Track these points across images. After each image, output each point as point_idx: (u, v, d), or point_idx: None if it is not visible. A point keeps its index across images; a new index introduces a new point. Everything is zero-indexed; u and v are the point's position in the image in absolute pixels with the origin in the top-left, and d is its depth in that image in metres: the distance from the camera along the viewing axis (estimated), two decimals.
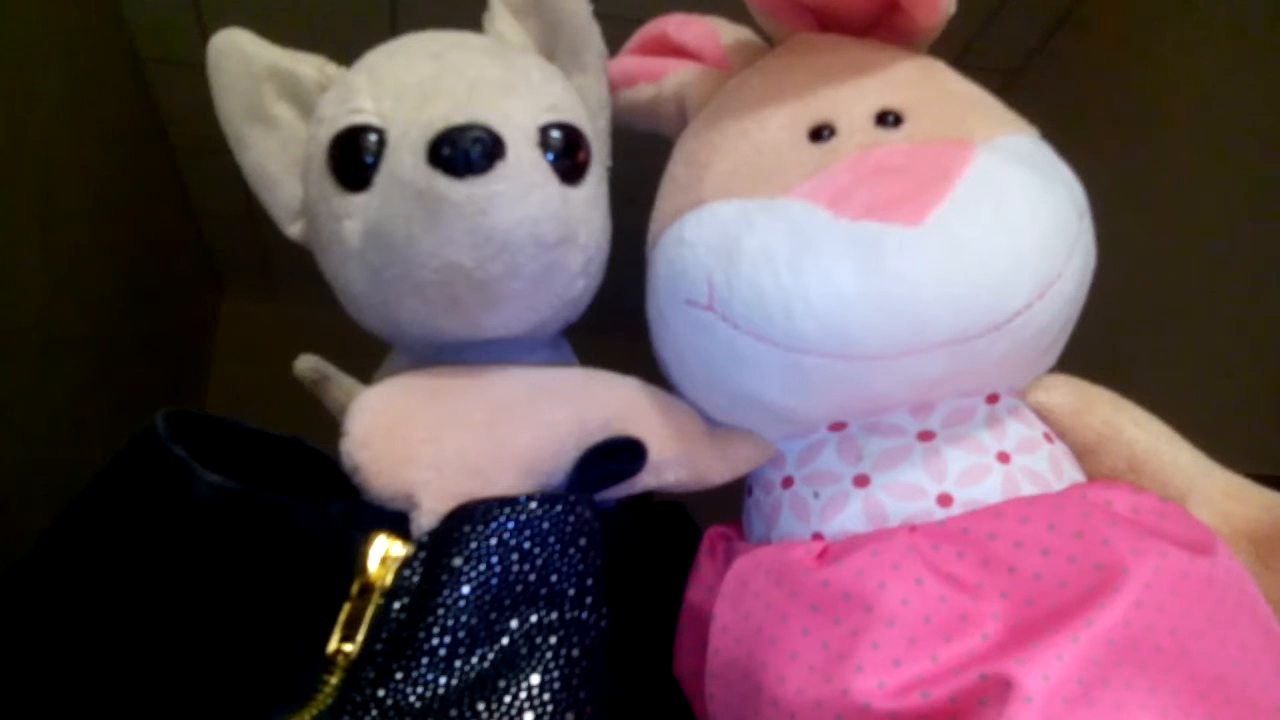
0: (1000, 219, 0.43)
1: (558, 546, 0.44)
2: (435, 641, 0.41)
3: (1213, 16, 1.04)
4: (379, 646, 0.41)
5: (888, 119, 0.49)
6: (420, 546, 0.43)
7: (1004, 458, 0.47)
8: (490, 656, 0.41)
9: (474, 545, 0.42)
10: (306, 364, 0.52)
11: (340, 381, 0.51)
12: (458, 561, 0.42)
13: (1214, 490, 0.48)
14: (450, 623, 0.41)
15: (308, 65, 0.54)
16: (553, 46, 0.57)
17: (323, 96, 0.53)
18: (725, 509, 0.57)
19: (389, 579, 0.42)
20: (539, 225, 0.46)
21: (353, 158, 0.49)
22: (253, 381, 1.25)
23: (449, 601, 0.41)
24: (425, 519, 0.44)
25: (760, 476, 0.53)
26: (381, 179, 0.48)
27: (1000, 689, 0.37)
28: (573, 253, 0.50)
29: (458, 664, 0.41)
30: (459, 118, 0.45)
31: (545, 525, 0.44)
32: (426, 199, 0.44)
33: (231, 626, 0.42)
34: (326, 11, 1.20)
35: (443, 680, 0.40)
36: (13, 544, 0.47)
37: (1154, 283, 1.06)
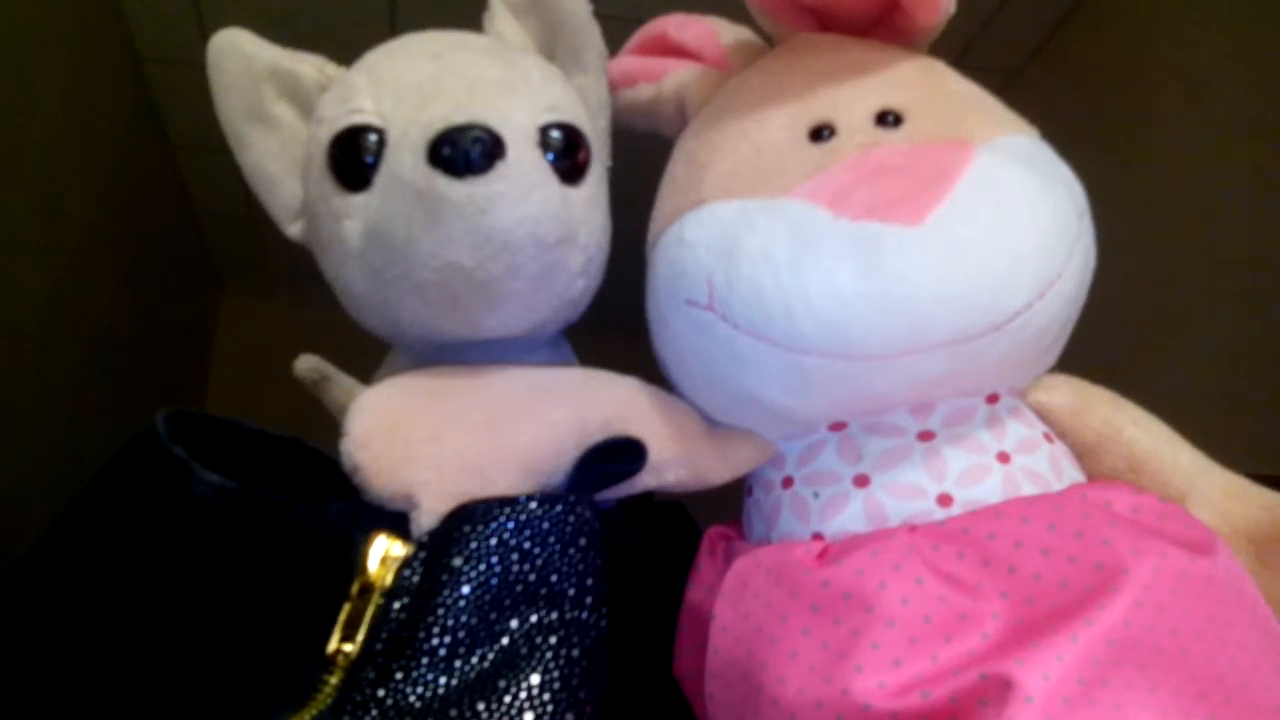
0: (1000, 219, 0.43)
1: (558, 546, 0.44)
2: (435, 641, 0.41)
3: (1212, 16, 1.04)
4: (379, 646, 0.41)
5: (888, 119, 0.49)
6: (420, 546, 0.43)
7: (1004, 458, 0.47)
8: (490, 656, 0.41)
9: (474, 545, 0.42)
10: (306, 364, 0.52)
11: (340, 381, 0.51)
12: (458, 561, 0.42)
13: (1214, 490, 0.48)
14: (450, 623, 0.41)
15: (308, 65, 0.54)
16: (553, 46, 0.57)
17: (323, 96, 0.53)
18: (725, 509, 0.57)
19: (389, 579, 0.42)
20: (539, 225, 0.46)
21: (353, 158, 0.49)
22: (253, 381, 1.25)
23: (449, 601, 0.41)
24: (425, 519, 0.44)
25: (760, 476, 0.53)
26: (381, 179, 0.48)
27: (1000, 689, 0.37)
28: (573, 253, 0.50)
29: (458, 664, 0.41)
30: (459, 118, 0.45)
31: (545, 525, 0.44)
32: (426, 199, 0.44)
33: (232, 626, 0.42)
34: (326, 11, 1.20)
35: (443, 680, 0.40)
36: (13, 544, 0.47)
37: (1154, 283, 1.06)
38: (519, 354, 0.53)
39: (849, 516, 0.47)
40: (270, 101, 0.53)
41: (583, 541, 0.44)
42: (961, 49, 1.29)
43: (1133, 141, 1.13)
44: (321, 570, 0.43)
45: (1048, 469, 0.47)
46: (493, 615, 0.42)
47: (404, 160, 0.45)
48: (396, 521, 0.45)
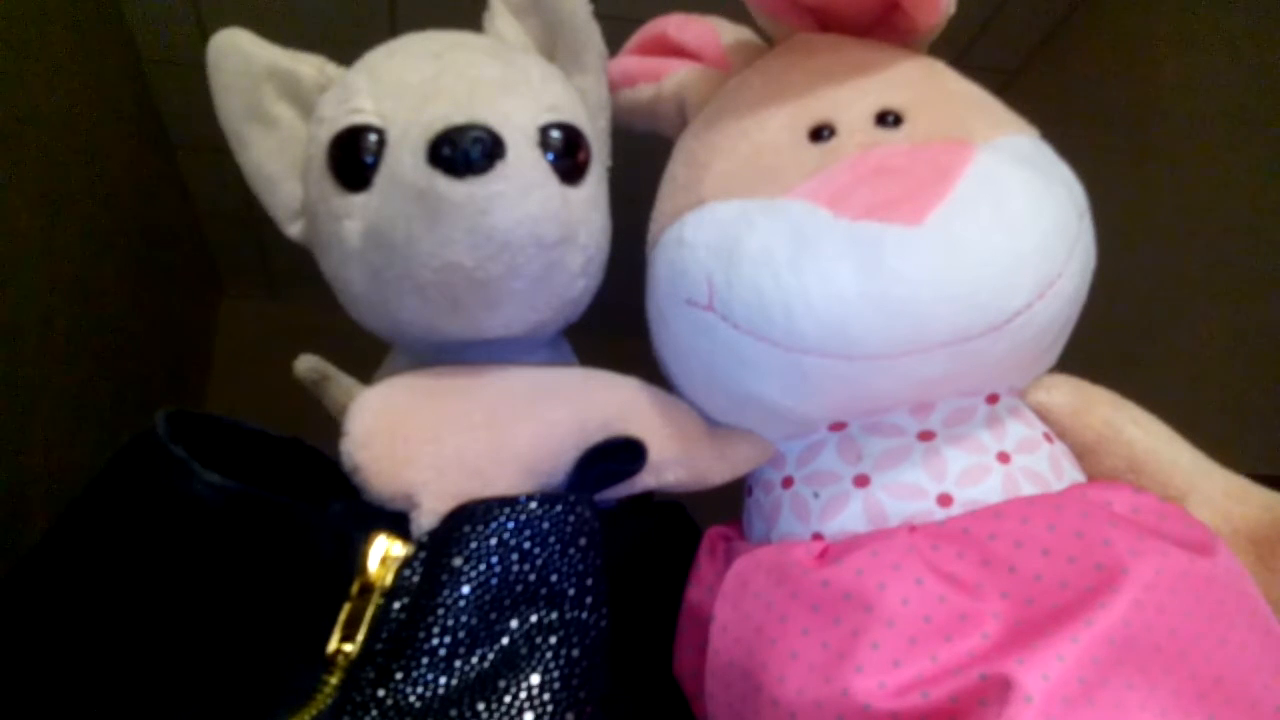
0: (1000, 219, 0.43)
1: (558, 546, 0.44)
2: (435, 641, 0.41)
3: (1212, 16, 1.04)
4: (379, 646, 0.41)
5: (888, 119, 0.49)
6: (420, 546, 0.43)
7: (1004, 458, 0.47)
8: (490, 656, 0.41)
9: (474, 545, 0.42)
10: (306, 364, 0.52)
11: (340, 381, 0.51)
12: (458, 561, 0.42)
13: (1214, 490, 0.48)
14: (450, 623, 0.41)
15: (308, 65, 0.54)
16: (553, 46, 0.57)
17: (322, 96, 0.53)
18: (725, 509, 0.57)
19: (389, 579, 0.42)
20: (539, 225, 0.46)
21: (353, 158, 0.49)
22: (253, 381, 1.25)
23: (449, 601, 0.41)
24: (425, 519, 0.44)
25: (760, 476, 0.53)
26: (381, 179, 0.48)
27: (1000, 689, 0.37)
28: (573, 253, 0.50)
29: (458, 664, 0.41)
30: (459, 118, 0.45)
31: (545, 525, 0.44)
32: (427, 199, 0.44)
33: (232, 626, 0.42)
34: (326, 11, 1.20)
35: (443, 680, 0.40)
36: (13, 544, 0.47)
37: (1154, 283, 1.06)
38: (519, 354, 0.53)
39: (849, 516, 0.47)
40: (270, 101, 0.53)
41: (583, 541, 0.44)
42: (961, 49, 1.29)
43: (1132, 141, 1.13)
44: (321, 570, 0.43)
45: (1048, 469, 0.47)
46: (493, 615, 0.42)
47: (404, 160, 0.45)
48: (396, 521, 0.45)
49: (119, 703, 0.41)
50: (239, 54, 0.52)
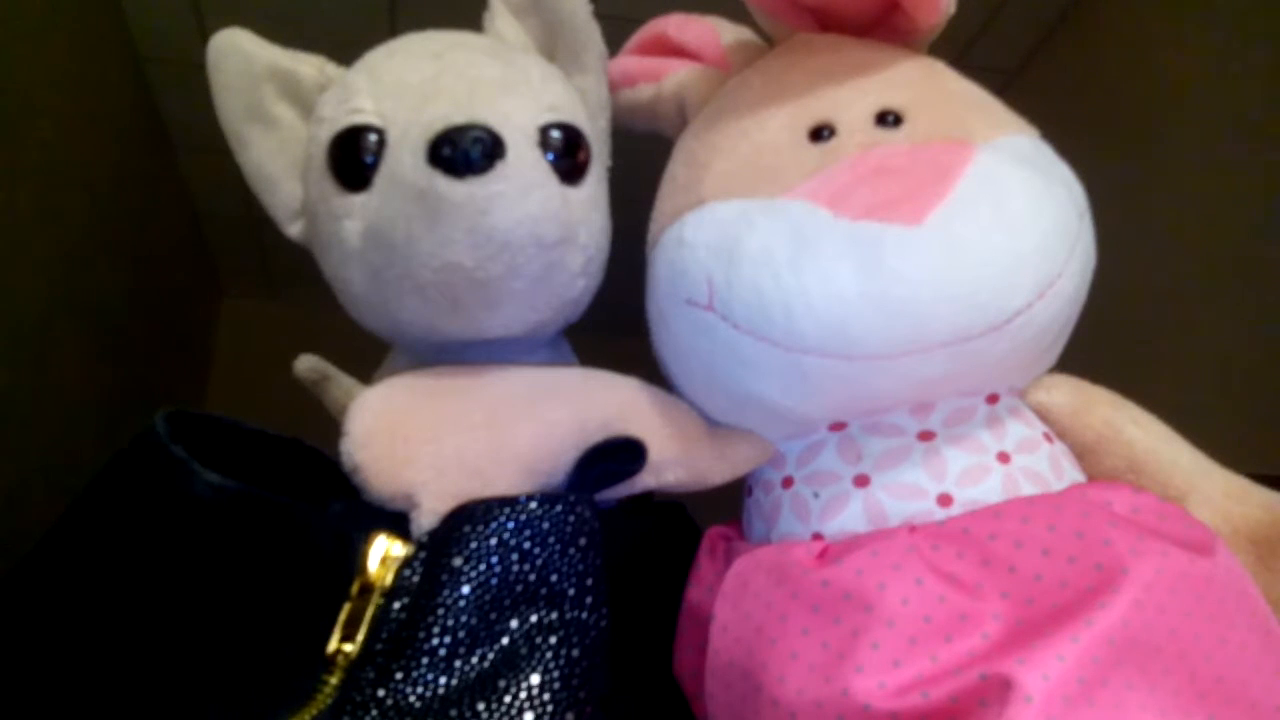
0: (1000, 219, 0.43)
1: (558, 546, 0.44)
2: (435, 641, 0.41)
3: (1212, 16, 1.04)
4: (379, 646, 0.41)
5: (888, 119, 0.49)
6: (420, 546, 0.43)
7: (1004, 458, 0.47)
8: (490, 656, 0.41)
9: (474, 545, 0.42)
10: (306, 364, 0.52)
11: (340, 381, 0.51)
12: (458, 561, 0.42)
13: (1214, 490, 0.48)
14: (450, 623, 0.41)
15: (308, 65, 0.54)
16: (553, 46, 0.57)
17: (322, 96, 0.53)
18: (725, 509, 0.57)
19: (389, 579, 0.42)
20: (539, 225, 0.46)
21: (352, 158, 0.49)
22: (253, 381, 1.24)
23: (449, 601, 0.41)
24: (425, 519, 0.44)
25: (760, 476, 0.53)
26: (381, 179, 0.48)
27: (1000, 689, 0.37)
28: (573, 253, 0.50)
29: (458, 664, 0.41)
30: (459, 118, 0.45)
31: (545, 525, 0.44)
32: (427, 199, 0.44)
33: (231, 626, 0.42)
34: (326, 11, 1.20)
35: (443, 680, 0.40)
36: (13, 544, 0.47)
37: (1154, 283, 1.06)
38: (519, 354, 0.53)
39: (849, 516, 0.47)
40: (270, 101, 0.53)
41: (583, 541, 0.44)
42: (961, 49, 1.29)
43: (1132, 141, 1.13)
44: (321, 570, 0.43)
45: (1048, 469, 0.47)
46: (493, 615, 0.42)
47: (404, 160, 0.45)
48: (396, 521, 0.45)
49: (119, 703, 0.41)
50: (239, 54, 0.52)
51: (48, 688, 0.42)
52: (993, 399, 0.48)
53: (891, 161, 0.46)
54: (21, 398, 1.04)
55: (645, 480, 0.50)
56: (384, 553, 0.43)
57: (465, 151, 0.44)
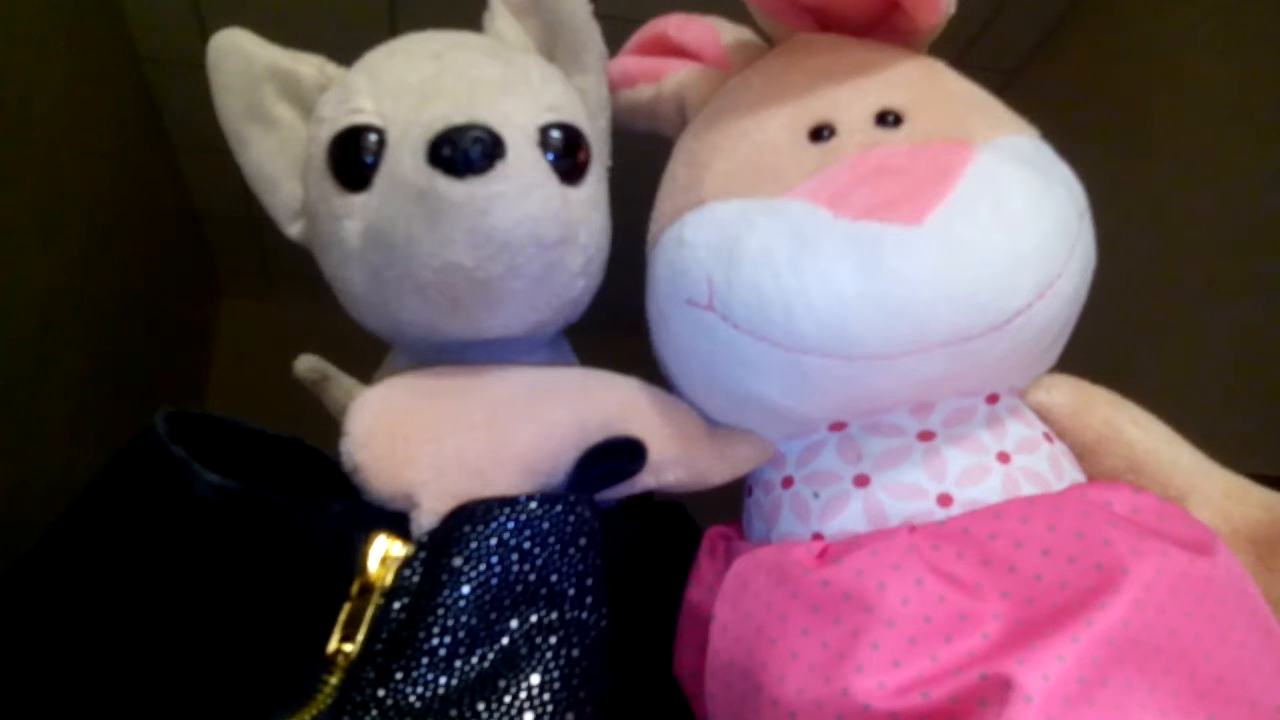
0: (1000, 219, 0.43)
1: (558, 546, 0.44)
2: (435, 641, 0.41)
3: (1211, 16, 1.04)
4: (379, 646, 0.41)
5: (888, 119, 0.49)
6: (420, 546, 0.43)
7: (1004, 458, 0.47)
8: (490, 656, 0.41)
9: (474, 545, 0.42)
10: (306, 364, 0.52)
11: (340, 381, 0.51)
12: (458, 561, 0.42)
13: (1214, 490, 0.48)
14: (450, 623, 0.41)
15: (308, 65, 0.54)
16: (553, 46, 0.57)
17: (322, 96, 0.53)
18: (725, 509, 0.57)
19: (389, 579, 0.42)
20: (539, 225, 0.46)
21: (353, 158, 0.49)
22: (253, 381, 1.25)
23: (449, 601, 0.41)
24: (425, 519, 0.44)
25: (760, 476, 0.53)
26: (381, 179, 0.48)
27: (1000, 689, 0.37)
28: (573, 253, 0.50)
29: (458, 664, 0.41)
30: (459, 118, 0.45)
31: (545, 525, 0.44)
32: (427, 199, 0.44)
33: (231, 626, 0.42)
34: (326, 11, 1.20)
35: (443, 680, 0.40)
36: (13, 544, 0.47)
37: (1154, 283, 1.06)
38: (519, 354, 0.53)
39: (849, 516, 0.47)
40: (270, 101, 0.53)
41: (583, 541, 0.44)
42: (961, 49, 1.29)
43: (1132, 141, 1.13)
44: (321, 570, 0.43)
45: (1048, 469, 0.47)
46: (493, 615, 0.42)
47: (404, 160, 0.45)
48: (396, 521, 0.45)
49: (119, 703, 0.41)
50: (239, 54, 0.52)
51: (48, 687, 0.42)
52: (993, 399, 0.48)
53: (891, 161, 0.46)
54: (21, 398, 1.04)
55: (645, 480, 0.50)
56: (384, 553, 0.43)
57: (465, 151, 0.44)
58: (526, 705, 0.40)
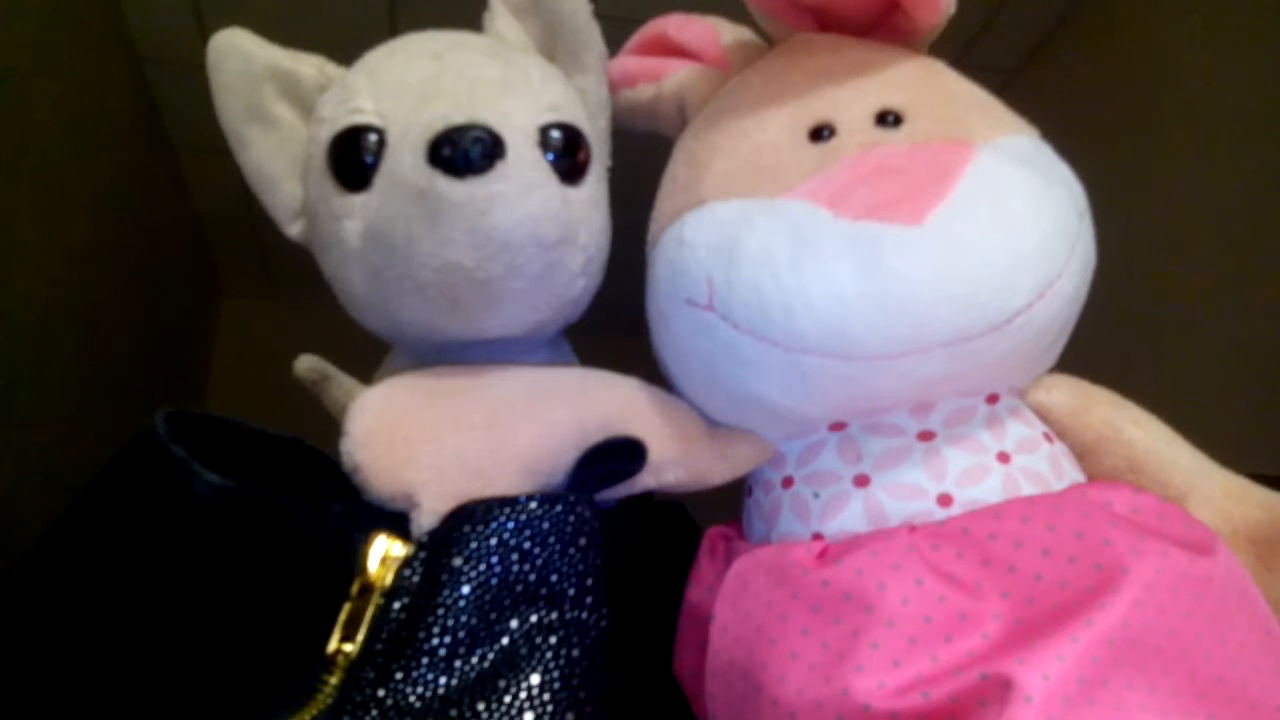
0: (1000, 219, 0.43)
1: (558, 546, 0.44)
2: (435, 641, 0.41)
3: (1212, 16, 1.04)
4: (379, 646, 0.41)
5: (888, 119, 0.49)
6: (420, 546, 0.43)
7: (1004, 458, 0.47)
8: (490, 656, 0.41)
9: (474, 545, 0.42)
10: (306, 364, 0.52)
11: (340, 381, 0.51)
12: (458, 561, 0.42)
13: (1214, 490, 0.48)
14: (450, 623, 0.41)
15: (308, 65, 0.54)
16: (553, 46, 0.57)
17: (322, 96, 0.53)
18: (725, 509, 0.57)
19: (389, 579, 0.42)
20: (539, 225, 0.46)
21: (353, 158, 0.49)
22: (253, 381, 1.25)
23: (449, 601, 0.41)
24: (425, 519, 0.44)
25: (760, 476, 0.53)
26: (381, 179, 0.48)
27: (1000, 689, 0.37)
28: (573, 252, 0.50)
29: (458, 664, 0.41)
30: (459, 118, 0.45)
31: (545, 525, 0.43)
32: (427, 199, 0.44)
33: (231, 626, 0.42)
34: (326, 11, 1.20)
35: (443, 680, 0.40)
36: (13, 544, 0.47)
37: (1154, 283, 1.06)
38: (519, 354, 0.53)
39: (849, 516, 0.47)
40: (270, 101, 0.53)
41: (583, 541, 0.44)
42: (961, 49, 1.29)
43: (1132, 141, 1.13)
44: (321, 570, 0.43)
45: (1048, 469, 0.47)
46: (493, 615, 0.42)
47: (404, 160, 0.45)
48: (396, 521, 0.45)
49: (119, 703, 0.41)
50: (239, 54, 0.52)
51: (48, 687, 0.42)
52: (993, 399, 0.48)
53: (891, 161, 0.46)
54: (21, 398, 1.04)
55: (645, 480, 0.50)
56: (384, 553, 0.43)
57: (465, 151, 0.44)
58: (526, 705, 0.40)
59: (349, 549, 0.43)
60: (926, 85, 0.51)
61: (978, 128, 0.48)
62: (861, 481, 0.47)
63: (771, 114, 0.51)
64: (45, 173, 1.07)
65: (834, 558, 0.44)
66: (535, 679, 0.41)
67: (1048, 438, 0.49)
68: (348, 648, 0.41)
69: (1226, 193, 0.99)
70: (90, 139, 1.21)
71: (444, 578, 0.42)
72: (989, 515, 0.43)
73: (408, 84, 0.49)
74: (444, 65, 0.50)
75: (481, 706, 0.40)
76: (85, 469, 0.47)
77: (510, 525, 0.43)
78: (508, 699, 0.40)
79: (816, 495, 0.48)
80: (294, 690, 0.41)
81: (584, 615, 0.43)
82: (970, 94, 0.52)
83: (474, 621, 0.41)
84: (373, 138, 0.48)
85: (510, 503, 0.43)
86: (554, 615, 0.43)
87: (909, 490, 0.46)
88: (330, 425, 0.48)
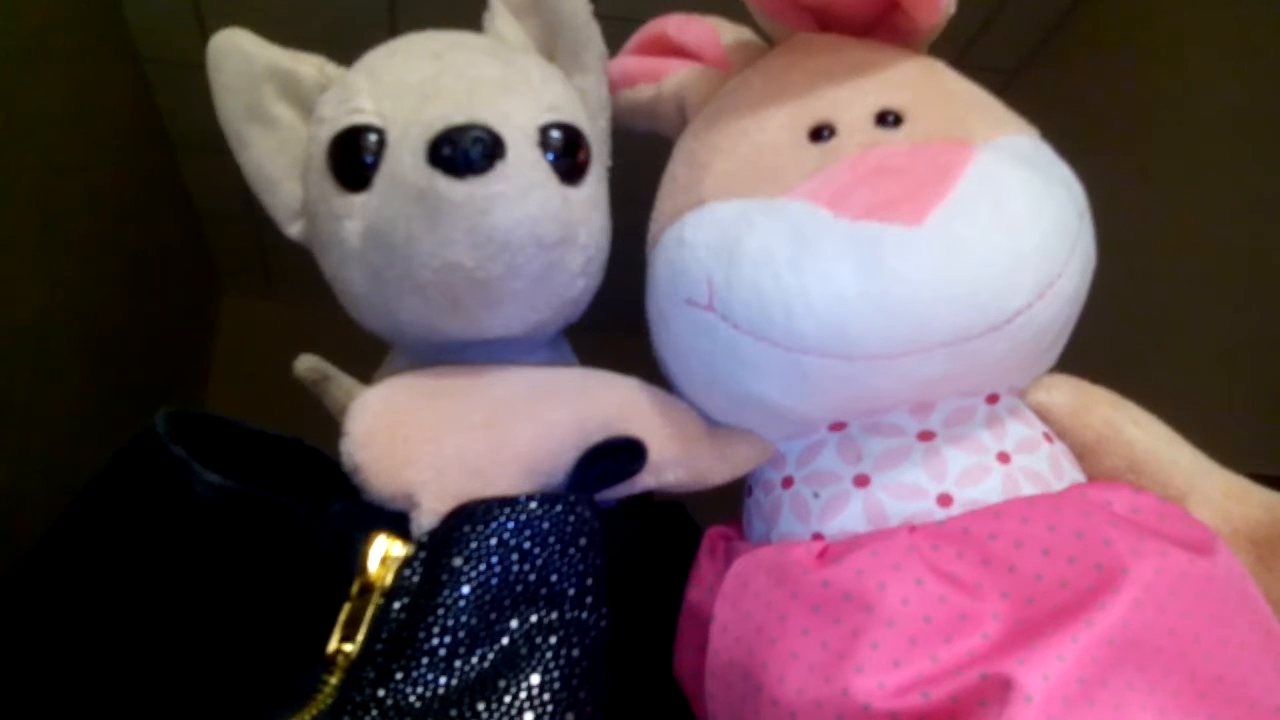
0: (1000, 219, 0.43)
1: (558, 546, 0.44)
2: (435, 641, 0.41)
3: (1212, 16, 1.04)
4: (379, 646, 0.41)
5: (888, 119, 0.49)
6: (420, 546, 0.43)
7: (1004, 458, 0.47)
8: (490, 656, 0.41)
9: (474, 545, 0.42)
10: (306, 364, 0.52)
11: (340, 381, 0.51)
12: (458, 561, 0.42)
13: (1214, 490, 0.48)
14: (450, 623, 0.41)
15: (308, 65, 0.54)
16: (553, 46, 0.57)
17: (322, 96, 0.53)
18: (725, 509, 0.57)
19: (389, 579, 0.42)
20: (539, 225, 0.46)
21: (352, 158, 0.49)
22: (253, 381, 1.25)
23: (449, 601, 0.41)
24: (425, 519, 0.44)
25: (760, 476, 0.53)
26: (381, 179, 0.48)
27: (1000, 689, 0.37)
28: (573, 252, 0.50)
29: (458, 664, 0.41)
30: (459, 117, 0.45)
31: (545, 525, 0.44)
32: (427, 199, 0.44)
33: (231, 626, 0.42)
34: (326, 11, 1.20)
35: (443, 680, 0.40)
36: (13, 544, 0.47)
37: (1154, 283, 1.06)
38: (519, 354, 0.53)
39: (849, 516, 0.47)
40: (270, 101, 0.53)
41: (583, 541, 0.44)
42: (961, 49, 1.29)
43: (1132, 141, 1.13)
44: (321, 570, 0.43)
45: (1048, 469, 0.47)
46: (493, 615, 0.42)
47: (404, 160, 0.45)
48: (396, 521, 0.45)
49: (119, 703, 0.41)
50: (239, 54, 0.52)
51: (48, 687, 0.42)
52: (993, 399, 0.48)
53: (891, 161, 0.46)
54: (21, 398, 1.04)
55: (645, 480, 0.50)
56: (384, 553, 0.43)
57: (465, 151, 0.44)
58: (526, 705, 0.40)
59: (349, 549, 0.43)
60: (926, 85, 0.51)
61: (978, 128, 0.48)
62: (861, 481, 0.47)
63: (771, 114, 0.51)
64: (45, 173, 1.07)
65: (834, 558, 0.44)
66: (535, 679, 0.41)
67: (1048, 438, 0.49)
68: (348, 648, 0.41)
69: (1227, 191, 0.99)
70: (90, 139, 1.21)
71: (444, 578, 0.42)
72: (989, 515, 0.43)
73: (408, 84, 0.49)
74: (444, 65, 0.50)
75: (481, 706, 0.40)
76: (85, 469, 0.47)
77: (510, 525, 0.43)
78: (508, 699, 0.40)
79: (816, 495, 0.48)
80: (294, 690, 0.41)
81: (584, 615, 0.43)
82: (970, 94, 0.53)
83: (474, 621, 0.41)
84: (373, 138, 0.48)
85: (510, 503, 0.43)
86: (554, 615, 0.43)
87: (909, 490, 0.46)
88: (330, 425, 0.48)
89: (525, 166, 0.46)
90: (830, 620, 0.42)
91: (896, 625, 0.40)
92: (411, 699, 0.40)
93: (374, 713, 0.40)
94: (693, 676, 0.48)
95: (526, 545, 0.43)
